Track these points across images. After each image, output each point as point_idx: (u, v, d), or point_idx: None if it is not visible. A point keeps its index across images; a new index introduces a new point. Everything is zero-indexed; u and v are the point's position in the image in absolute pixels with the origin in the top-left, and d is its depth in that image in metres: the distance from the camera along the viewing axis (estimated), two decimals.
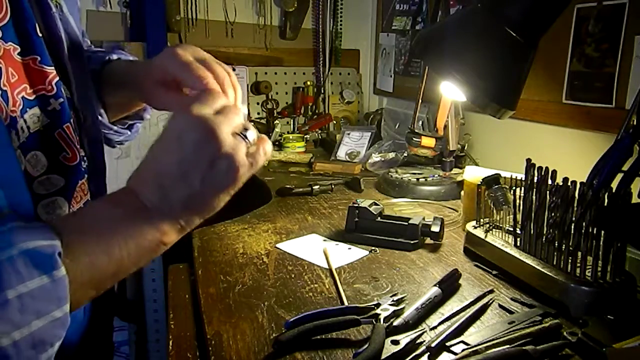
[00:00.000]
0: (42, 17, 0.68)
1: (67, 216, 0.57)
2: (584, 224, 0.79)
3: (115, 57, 0.87)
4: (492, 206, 1.01)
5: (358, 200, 1.15)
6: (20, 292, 0.47)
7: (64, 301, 0.50)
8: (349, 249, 1.07)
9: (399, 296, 0.82)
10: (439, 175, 1.52)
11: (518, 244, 0.93)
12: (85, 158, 0.72)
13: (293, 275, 0.94)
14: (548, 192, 0.85)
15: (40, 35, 0.66)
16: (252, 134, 0.58)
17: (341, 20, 2.44)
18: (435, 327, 0.77)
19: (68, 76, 0.71)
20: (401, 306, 0.80)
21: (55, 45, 0.69)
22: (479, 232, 1.01)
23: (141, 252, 0.56)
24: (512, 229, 0.95)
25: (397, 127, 2.01)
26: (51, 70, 0.67)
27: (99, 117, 0.86)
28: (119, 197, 0.57)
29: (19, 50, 0.63)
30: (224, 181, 0.56)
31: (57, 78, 0.68)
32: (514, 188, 0.94)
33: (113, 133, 0.91)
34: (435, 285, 0.85)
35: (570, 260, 0.82)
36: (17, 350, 0.46)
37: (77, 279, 0.51)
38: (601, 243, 0.78)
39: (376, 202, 1.16)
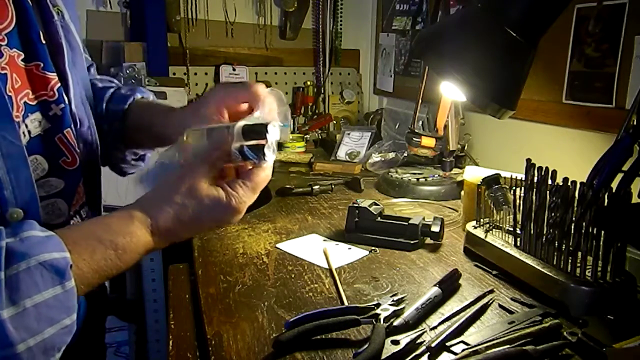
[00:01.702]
0: (44, 25, 0.70)
1: (80, 240, 0.57)
2: (584, 224, 0.79)
3: (139, 96, 0.89)
4: (492, 206, 1.01)
5: (358, 200, 1.15)
6: (37, 302, 0.50)
7: (73, 310, 0.53)
8: (349, 249, 1.07)
9: (399, 296, 0.82)
10: (439, 175, 1.52)
11: (518, 244, 0.93)
12: (82, 161, 0.73)
13: (293, 275, 0.94)
14: (548, 192, 0.85)
15: (44, 42, 0.67)
16: None
17: (341, 20, 2.44)
18: (435, 327, 0.77)
19: (67, 82, 0.72)
20: (401, 306, 0.80)
21: (56, 52, 0.71)
22: (479, 232, 1.01)
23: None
24: (512, 229, 0.95)
25: (397, 127, 2.01)
26: (53, 77, 0.68)
27: (119, 154, 0.89)
28: (134, 231, 0.60)
29: (22, 56, 0.65)
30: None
31: (59, 84, 0.69)
32: (514, 188, 0.94)
33: (129, 166, 0.94)
34: (435, 285, 0.85)
35: (570, 260, 0.82)
36: (31, 355, 0.50)
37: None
38: (601, 243, 0.78)
39: (376, 202, 1.16)
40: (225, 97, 0.72)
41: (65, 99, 0.70)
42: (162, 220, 0.61)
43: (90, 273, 0.56)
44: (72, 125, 0.71)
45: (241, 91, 0.70)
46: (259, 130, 0.64)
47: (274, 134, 0.65)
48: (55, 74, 0.69)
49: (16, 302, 0.49)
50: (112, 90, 0.89)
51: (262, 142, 0.64)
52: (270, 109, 0.68)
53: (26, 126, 0.64)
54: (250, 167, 0.66)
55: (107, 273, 0.58)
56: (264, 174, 0.66)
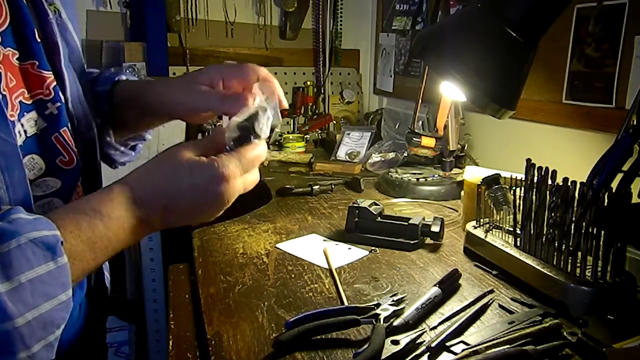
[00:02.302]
0: (39, 23, 0.69)
1: (65, 215, 0.57)
2: (584, 224, 0.79)
3: (124, 77, 0.88)
4: (492, 206, 1.01)
5: (358, 200, 1.15)
6: (31, 277, 0.50)
7: (68, 286, 0.53)
8: (349, 249, 1.07)
9: (399, 296, 0.82)
10: (439, 175, 1.52)
11: (518, 244, 0.93)
12: (80, 161, 0.73)
13: (293, 275, 0.94)
14: (548, 192, 0.85)
15: (39, 40, 0.67)
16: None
17: (341, 20, 2.44)
18: (435, 327, 0.77)
19: (64, 81, 0.71)
20: (401, 306, 0.80)
21: (51, 50, 0.70)
22: (479, 232, 1.01)
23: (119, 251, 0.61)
24: (512, 229, 0.95)
25: (397, 127, 2.01)
26: (49, 75, 0.68)
27: (107, 138, 0.87)
28: (114, 198, 0.59)
29: (17, 55, 0.64)
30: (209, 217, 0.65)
31: (55, 83, 0.68)
32: (514, 188, 0.94)
33: (119, 154, 0.92)
34: (435, 285, 0.85)
35: (570, 260, 0.82)
36: (30, 330, 0.50)
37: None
38: (601, 243, 0.78)
39: (376, 202, 1.16)
40: (221, 73, 0.75)
41: (62, 97, 0.70)
42: (139, 183, 0.61)
43: (81, 246, 0.55)
44: (69, 124, 0.71)
45: (236, 74, 0.74)
46: (251, 125, 0.66)
47: (265, 120, 0.66)
48: (51, 72, 0.68)
49: (11, 278, 0.49)
50: (95, 74, 0.88)
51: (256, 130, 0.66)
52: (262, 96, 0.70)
53: (22, 125, 0.64)
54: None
55: (98, 245, 0.57)
56: (254, 151, 0.64)
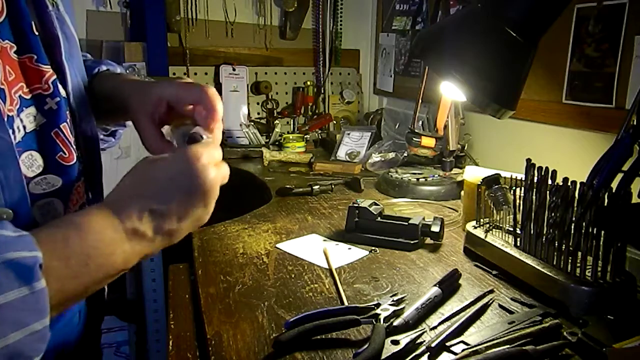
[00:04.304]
0: (37, 16, 0.67)
1: (44, 232, 0.52)
2: (584, 224, 0.79)
3: (104, 67, 0.86)
4: (492, 206, 1.01)
5: (358, 200, 1.15)
6: (0, 303, 0.45)
7: (45, 314, 0.48)
8: (349, 249, 1.07)
9: (399, 296, 0.82)
10: (439, 175, 1.52)
11: (518, 244, 0.93)
12: (80, 158, 0.71)
13: (293, 275, 0.94)
14: (548, 192, 0.85)
15: (37, 33, 0.65)
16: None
17: (341, 20, 2.44)
18: (435, 327, 0.77)
19: (64, 75, 0.70)
20: (401, 306, 0.80)
21: (51, 43, 0.68)
22: (479, 232, 1.01)
23: (111, 274, 0.56)
24: (512, 229, 0.95)
25: (397, 127, 2.01)
26: (47, 69, 0.66)
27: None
28: (99, 223, 0.54)
29: (15, 48, 0.62)
30: (199, 221, 0.62)
31: (54, 77, 0.67)
32: (514, 188, 0.94)
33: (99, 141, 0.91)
34: (435, 285, 0.85)
35: (570, 260, 0.82)
36: None
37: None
38: (601, 243, 0.78)
39: (376, 202, 1.16)
40: (172, 95, 0.73)
41: (62, 92, 0.68)
42: (113, 194, 0.59)
43: (55, 262, 0.50)
44: (69, 119, 0.69)
45: (191, 97, 0.71)
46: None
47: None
48: (49, 66, 0.66)
49: None
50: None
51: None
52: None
53: (21, 121, 0.62)
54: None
55: (73, 261, 0.51)
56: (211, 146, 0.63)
